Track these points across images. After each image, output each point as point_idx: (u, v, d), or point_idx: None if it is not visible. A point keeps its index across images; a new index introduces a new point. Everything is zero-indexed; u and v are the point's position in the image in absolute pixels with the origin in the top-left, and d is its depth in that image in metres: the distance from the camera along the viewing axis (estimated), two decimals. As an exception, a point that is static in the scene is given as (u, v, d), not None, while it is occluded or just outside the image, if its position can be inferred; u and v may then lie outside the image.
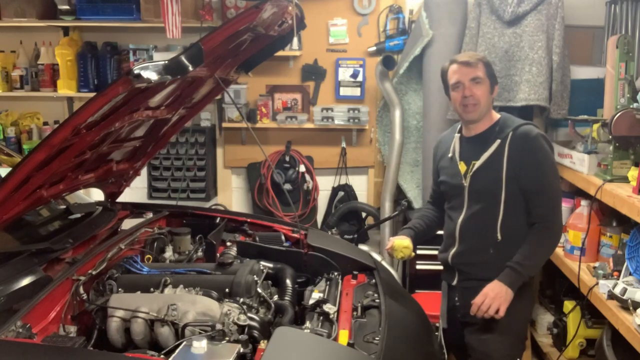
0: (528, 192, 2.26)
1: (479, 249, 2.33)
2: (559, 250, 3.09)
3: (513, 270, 2.24)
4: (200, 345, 1.63)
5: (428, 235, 2.62)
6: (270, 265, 2.38)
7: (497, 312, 2.22)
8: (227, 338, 1.81)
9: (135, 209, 2.81)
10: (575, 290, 2.85)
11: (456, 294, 2.45)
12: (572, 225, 2.90)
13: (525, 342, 2.53)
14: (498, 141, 2.28)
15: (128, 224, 2.58)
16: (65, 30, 4.19)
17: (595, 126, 2.89)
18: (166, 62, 1.81)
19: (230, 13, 3.99)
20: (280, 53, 3.00)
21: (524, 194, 2.27)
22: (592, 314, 2.89)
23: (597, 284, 2.57)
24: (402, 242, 2.43)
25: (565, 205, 2.98)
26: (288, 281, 2.31)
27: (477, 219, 2.34)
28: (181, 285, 2.06)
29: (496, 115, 2.37)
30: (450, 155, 2.42)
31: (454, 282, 2.44)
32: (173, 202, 4.04)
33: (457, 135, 2.43)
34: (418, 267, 3.74)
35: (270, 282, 2.33)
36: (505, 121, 2.33)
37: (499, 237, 2.29)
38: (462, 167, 2.36)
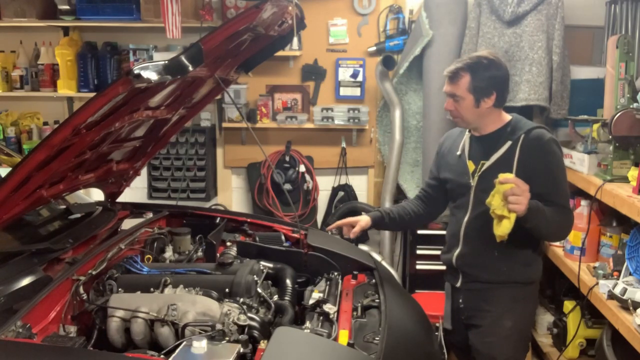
0: (537, 196, 2.15)
1: (483, 250, 2.31)
2: (559, 250, 3.09)
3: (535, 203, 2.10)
4: (200, 345, 1.63)
5: (395, 228, 2.57)
6: (270, 265, 2.38)
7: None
8: (227, 338, 1.81)
9: (135, 209, 2.81)
10: (575, 290, 2.85)
11: (460, 296, 2.43)
12: (572, 225, 2.90)
13: (528, 344, 2.53)
14: (509, 143, 2.24)
15: (128, 224, 2.58)
16: (65, 30, 4.19)
17: (595, 126, 2.89)
18: (166, 62, 1.80)
19: (230, 13, 3.99)
20: (280, 53, 3.00)
21: (532, 197, 2.24)
22: (592, 314, 2.88)
23: (597, 284, 2.56)
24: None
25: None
26: (288, 281, 2.30)
27: (483, 220, 2.26)
28: (181, 285, 2.06)
29: (507, 117, 2.33)
30: (459, 153, 2.39)
31: (458, 284, 2.42)
32: (173, 202, 4.04)
33: (467, 134, 2.40)
34: (418, 267, 3.75)
35: (270, 282, 2.33)
36: (517, 123, 2.29)
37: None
38: (471, 166, 2.33)
